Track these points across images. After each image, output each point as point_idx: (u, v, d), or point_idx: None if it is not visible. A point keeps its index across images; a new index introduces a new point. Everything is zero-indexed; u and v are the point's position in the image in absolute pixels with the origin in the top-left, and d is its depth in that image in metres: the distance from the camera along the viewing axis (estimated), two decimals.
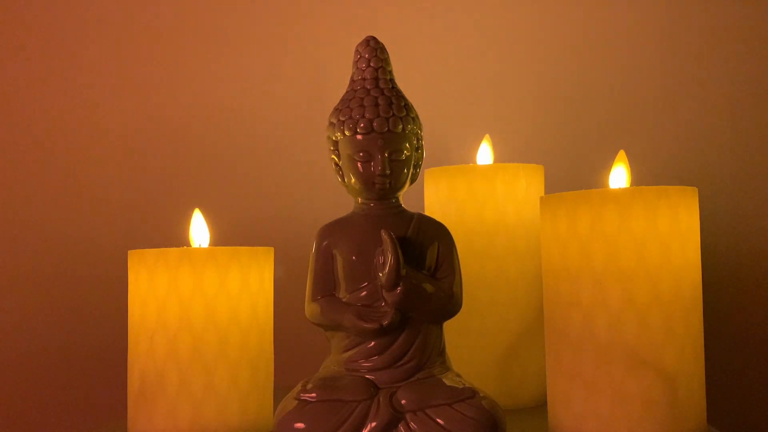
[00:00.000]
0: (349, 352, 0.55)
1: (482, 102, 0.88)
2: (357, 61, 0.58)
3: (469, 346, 0.67)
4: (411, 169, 0.57)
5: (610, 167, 0.60)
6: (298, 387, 0.54)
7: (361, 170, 0.56)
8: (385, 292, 0.54)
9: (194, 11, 0.90)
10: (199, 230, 0.65)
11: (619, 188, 0.55)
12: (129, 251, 0.61)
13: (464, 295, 0.58)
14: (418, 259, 0.56)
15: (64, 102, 0.90)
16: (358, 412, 0.52)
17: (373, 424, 0.51)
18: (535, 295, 0.67)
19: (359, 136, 0.56)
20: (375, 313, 0.54)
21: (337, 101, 0.58)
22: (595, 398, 0.54)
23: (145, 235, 0.87)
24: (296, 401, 0.53)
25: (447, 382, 0.53)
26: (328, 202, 0.77)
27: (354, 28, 0.87)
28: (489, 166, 0.70)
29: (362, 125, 0.56)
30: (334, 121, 0.57)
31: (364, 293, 0.55)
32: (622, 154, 0.60)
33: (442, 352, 0.57)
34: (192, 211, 0.65)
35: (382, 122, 0.55)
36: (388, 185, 0.56)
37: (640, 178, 0.64)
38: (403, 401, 0.52)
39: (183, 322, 0.58)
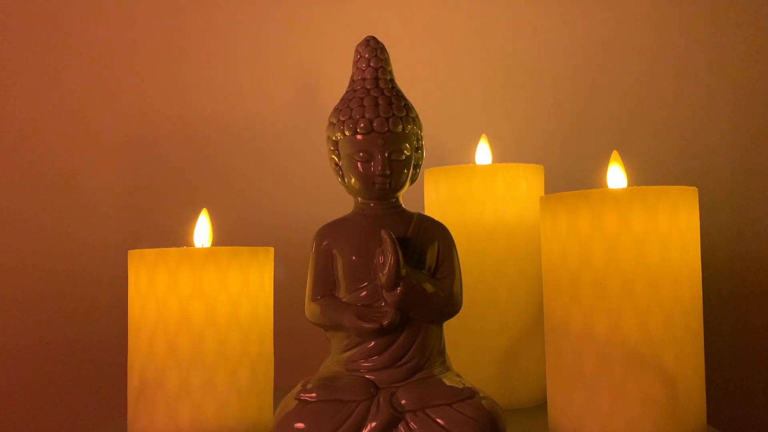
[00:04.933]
0: (349, 352, 0.55)
1: (482, 102, 0.88)
2: (357, 61, 0.58)
3: (469, 346, 0.67)
4: (411, 170, 0.57)
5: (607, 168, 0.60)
6: (298, 387, 0.54)
7: (361, 170, 0.56)
8: (385, 292, 0.54)
9: (196, 13, 0.90)
10: (203, 230, 0.65)
11: (619, 188, 0.55)
12: (129, 251, 0.61)
13: (464, 295, 0.58)
14: (418, 259, 0.56)
15: (65, 102, 0.90)
16: (358, 412, 0.52)
17: (373, 424, 0.51)
18: (535, 295, 0.67)
19: (359, 136, 0.56)
20: (375, 313, 0.54)
21: (337, 101, 0.58)
22: (595, 398, 0.54)
23: (145, 235, 0.87)
24: (296, 401, 0.53)
25: (447, 382, 0.53)
26: (328, 202, 0.77)
27: (353, 28, 0.87)
28: (489, 166, 0.70)
29: (362, 125, 0.56)
30: (334, 121, 0.57)
31: (364, 293, 0.55)
32: (615, 154, 0.60)
33: (442, 352, 0.57)
34: (192, 210, 0.65)
35: (382, 122, 0.55)
36: (388, 185, 0.56)
37: (639, 178, 0.64)
38: (403, 401, 0.52)
39: (183, 322, 0.58)
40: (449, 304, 0.56)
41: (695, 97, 0.87)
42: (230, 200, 0.88)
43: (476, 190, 0.68)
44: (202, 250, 0.60)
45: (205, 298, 0.58)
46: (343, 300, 0.56)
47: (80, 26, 0.90)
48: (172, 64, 0.90)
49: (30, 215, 0.89)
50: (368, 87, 0.57)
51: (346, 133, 0.56)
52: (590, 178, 0.69)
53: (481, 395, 0.52)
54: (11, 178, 0.89)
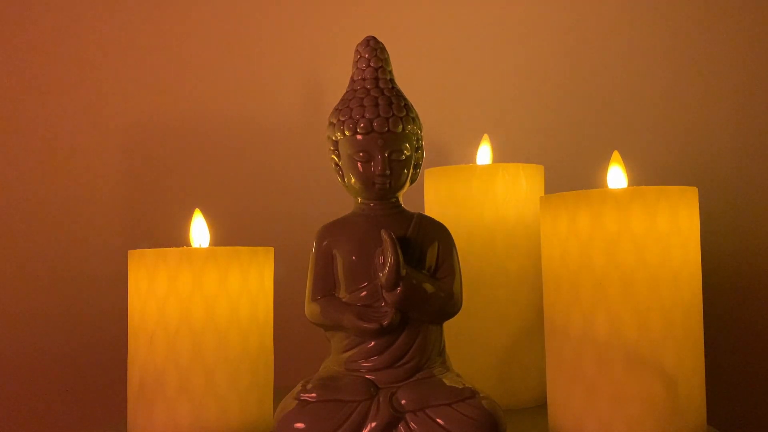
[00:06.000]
0: (349, 352, 0.55)
1: (482, 102, 0.88)
2: (357, 61, 0.58)
3: (470, 345, 0.67)
4: (411, 170, 0.57)
5: (607, 168, 0.60)
6: (298, 387, 0.54)
7: (361, 170, 0.56)
8: (385, 292, 0.54)
9: (195, 13, 0.90)
10: (199, 230, 0.65)
11: (619, 188, 0.55)
12: (129, 251, 0.61)
13: (464, 295, 0.58)
14: (418, 259, 0.56)
15: (65, 101, 0.90)
16: (358, 412, 0.52)
17: (373, 424, 0.51)
18: (535, 295, 0.67)
19: (359, 136, 0.56)
20: (375, 313, 0.54)
21: (337, 101, 0.58)
22: (595, 398, 0.54)
23: (145, 235, 0.87)
24: (296, 401, 0.53)
25: (447, 382, 0.53)
26: (328, 202, 0.77)
27: (353, 28, 0.87)
28: (489, 166, 0.70)
29: (362, 125, 0.56)
30: (334, 121, 0.57)
31: (364, 293, 0.55)
32: (616, 154, 0.60)
33: (442, 352, 0.57)
34: (192, 211, 0.65)
35: (382, 122, 0.55)
36: (388, 185, 0.56)
37: (639, 178, 0.64)
38: (403, 401, 0.52)
39: (183, 322, 0.58)
40: (449, 304, 0.56)
41: (695, 97, 0.87)
42: (230, 200, 0.88)
43: (476, 190, 0.68)
44: (202, 250, 0.60)
45: (205, 298, 0.58)
46: (343, 300, 0.56)
47: (80, 26, 0.90)
48: (173, 64, 0.90)
49: (30, 215, 0.89)
50: (368, 87, 0.57)
51: (346, 133, 0.56)
52: (590, 178, 0.69)
53: (481, 395, 0.52)
54: (11, 179, 0.89)
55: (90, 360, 0.86)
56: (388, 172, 0.56)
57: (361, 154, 0.56)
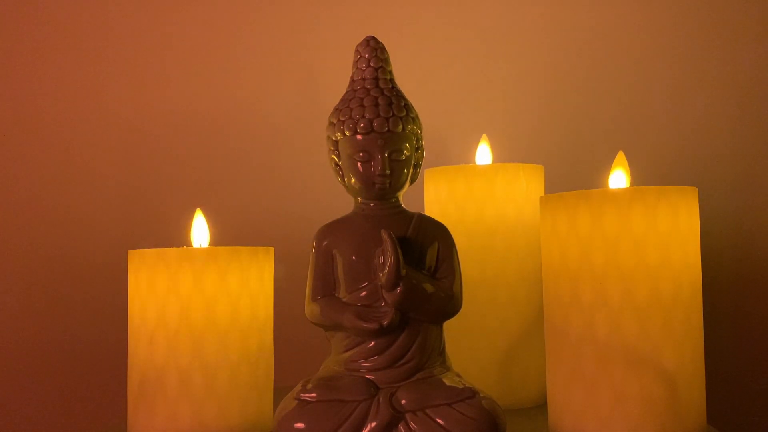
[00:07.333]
0: (349, 352, 0.55)
1: (482, 102, 0.88)
2: (357, 61, 0.58)
3: (470, 346, 0.67)
4: (411, 169, 0.57)
5: (610, 168, 0.60)
6: (298, 387, 0.54)
7: (361, 170, 0.56)
8: (385, 292, 0.54)
9: (197, 11, 0.90)
10: (200, 230, 0.65)
11: (619, 188, 0.55)
12: (129, 251, 0.61)
13: (464, 295, 0.58)
14: (418, 259, 0.56)
15: (65, 101, 0.90)
16: (358, 412, 0.52)
17: (373, 424, 0.51)
18: (535, 295, 0.67)
19: (359, 136, 0.56)
20: (375, 313, 0.54)
21: (337, 101, 0.58)
22: (595, 398, 0.54)
23: (145, 235, 0.87)
24: (296, 401, 0.53)
25: (447, 382, 0.53)
26: (328, 202, 0.77)
27: (353, 28, 0.87)
28: (489, 166, 0.70)
29: (362, 125, 0.56)
30: (334, 121, 0.57)
31: (364, 293, 0.55)
32: (621, 156, 0.60)
33: (442, 352, 0.57)
34: (192, 210, 0.65)
35: (382, 122, 0.55)
36: (388, 185, 0.56)
37: (640, 178, 0.64)
38: (403, 401, 0.52)
39: (183, 322, 0.58)
40: (449, 304, 0.56)
41: (695, 96, 0.87)
42: (230, 200, 0.88)
43: (476, 190, 0.68)
44: (202, 250, 0.60)
45: (205, 298, 0.58)
46: (343, 300, 0.56)
47: (79, 24, 0.90)
48: (173, 63, 0.90)
49: (29, 215, 0.89)
50: (368, 87, 0.57)
51: (346, 133, 0.56)
52: (590, 179, 0.69)
53: (481, 395, 0.52)
54: (11, 178, 0.89)
55: (90, 360, 0.86)
56: (388, 172, 0.56)
57: (361, 154, 0.56)
